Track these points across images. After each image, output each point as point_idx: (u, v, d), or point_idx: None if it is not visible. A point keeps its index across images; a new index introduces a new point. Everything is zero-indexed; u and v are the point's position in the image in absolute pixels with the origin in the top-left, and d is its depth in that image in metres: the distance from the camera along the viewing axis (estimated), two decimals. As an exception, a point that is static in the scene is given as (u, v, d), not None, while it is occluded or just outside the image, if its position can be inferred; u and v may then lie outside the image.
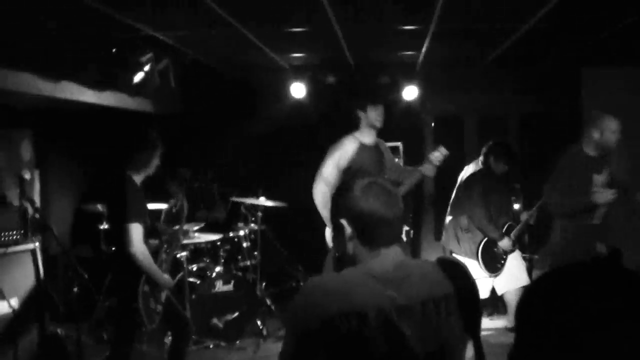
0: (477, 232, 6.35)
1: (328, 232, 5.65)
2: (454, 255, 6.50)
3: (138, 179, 4.66)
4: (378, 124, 5.81)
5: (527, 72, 8.14)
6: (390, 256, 2.22)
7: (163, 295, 4.71)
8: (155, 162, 4.71)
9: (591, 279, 1.23)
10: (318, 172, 5.72)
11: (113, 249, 4.65)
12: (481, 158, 6.53)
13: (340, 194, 2.32)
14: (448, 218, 6.65)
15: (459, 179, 6.55)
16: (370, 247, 2.23)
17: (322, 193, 5.61)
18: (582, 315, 1.16)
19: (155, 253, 4.72)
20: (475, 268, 6.22)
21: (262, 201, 7.03)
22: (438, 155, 5.69)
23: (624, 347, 1.13)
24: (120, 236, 4.40)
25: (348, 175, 5.60)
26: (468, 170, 6.51)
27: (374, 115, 5.79)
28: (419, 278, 2.17)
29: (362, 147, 5.76)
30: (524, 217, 6.59)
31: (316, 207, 5.64)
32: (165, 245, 4.91)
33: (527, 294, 1.30)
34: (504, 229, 6.44)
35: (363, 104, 5.81)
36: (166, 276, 4.72)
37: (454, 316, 2.12)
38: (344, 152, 5.70)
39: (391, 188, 2.28)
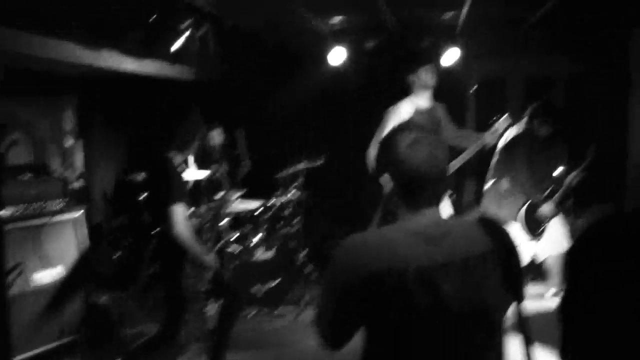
0: (519, 196, 6.24)
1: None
2: None
3: (179, 158, 4.65)
4: (432, 84, 5.75)
5: (573, 33, 7.93)
6: (431, 215, 2.20)
7: (209, 274, 4.71)
8: (197, 135, 4.68)
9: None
10: (375, 136, 5.68)
11: (155, 224, 4.65)
12: (525, 119, 6.37)
13: (386, 149, 2.29)
14: (489, 183, 6.54)
15: (501, 141, 6.40)
16: (412, 206, 2.22)
17: (372, 158, 5.59)
18: (632, 262, 1.14)
19: (198, 231, 4.71)
20: (518, 233, 6.13)
21: (303, 165, 7.00)
22: (502, 124, 5.66)
23: None
24: (162, 214, 4.40)
25: None
26: (511, 133, 6.37)
27: (426, 76, 5.73)
28: (459, 236, 2.14)
29: (418, 111, 5.72)
30: (567, 180, 6.46)
31: (370, 171, 5.62)
32: (208, 224, 4.91)
33: (579, 241, 1.29)
34: (547, 193, 6.33)
35: (414, 67, 5.75)
36: (210, 256, 4.71)
37: (494, 274, 2.08)
38: (400, 116, 5.65)
39: (438, 145, 2.22)
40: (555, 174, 6.47)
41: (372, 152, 5.63)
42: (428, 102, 5.83)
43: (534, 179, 6.20)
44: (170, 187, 4.38)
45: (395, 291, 2.00)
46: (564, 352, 1.28)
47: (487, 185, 6.53)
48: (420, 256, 2.05)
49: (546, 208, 6.20)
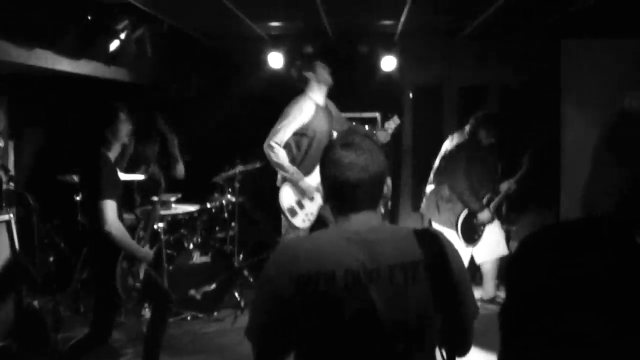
0: (457, 203, 6.34)
1: (283, 191, 5.76)
2: (433, 224, 6.52)
3: (113, 153, 4.59)
4: (329, 81, 5.87)
5: (507, 43, 8.10)
6: (362, 220, 2.20)
7: (142, 270, 4.66)
8: (125, 132, 4.62)
9: (581, 237, 1.22)
10: (273, 130, 5.75)
11: (88, 225, 4.59)
12: (468, 128, 6.47)
13: (321, 158, 2.30)
14: (430, 187, 6.62)
15: (443, 148, 6.50)
16: (341, 210, 2.24)
17: (273, 153, 5.66)
18: (572, 273, 1.15)
19: (131, 229, 4.66)
20: (454, 238, 6.23)
21: (239, 168, 6.98)
22: (392, 124, 5.81)
23: (615, 305, 1.12)
24: (94, 213, 4.34)
25: (298, 137, 5.77)
26: (454, 140, 6.46)
27: (323, 73, 5.83)
28: (390, 242, 2.15)
29: (319, 108, 5.82)
30: (503, 187, 6.60)
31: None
32: (142, 223, 4.86)
33: (519, 249, 1.30)
34: (485, 201, 6.45)
35: (311, 65, 5.84)
36: (145, 249, 4.67)
37: (422, 285, 2.08)
38: (304, 114, 5.76)
39: (367, 150, 2.21)
40: (493, 182, 6.61)
41: (273, 149, 5.71)
42: (324, 99, 5.94)
43: (473, 186, 6.30)
44: (101, 183, 4.33)
45: (323, 295, 2.04)
46: (502, 358, 1.30)
47: (428, 190, 6.61)
48: (349, 260, 2.07)
49: (483, 215, 6.32)
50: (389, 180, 2.31)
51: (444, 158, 6.45)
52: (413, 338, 2.09)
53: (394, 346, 2.06)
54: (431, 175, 6.63)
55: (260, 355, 2.23)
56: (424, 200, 6.71)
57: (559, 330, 1.15)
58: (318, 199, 5.80)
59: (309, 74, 5.88)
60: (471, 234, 6.42)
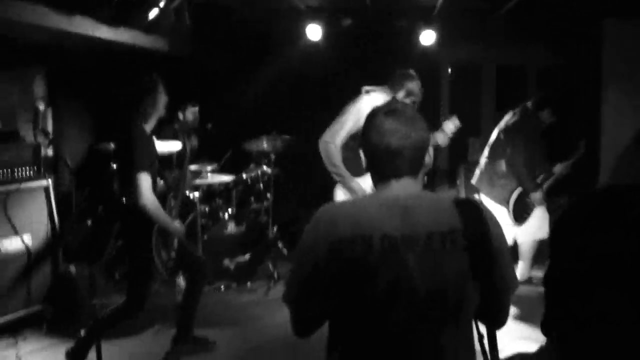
0: (512, 180, 6.24)
1: (338, 192, 5.66)
2: (483, 197, 6.43)
3: (148, 125, 4.59)
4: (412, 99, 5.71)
5: (547, 22, 7.96)
6: (402, 186, 2.19)
7: (175, 243, 4.68)
8: (161, 103, 4.61)
9: (607, 213, 1.22)
10: (330, 128, 5.63)
11: (122, 195, 4.60)
12: (531, 105, 6.32)
13: (364, 126, 2.29)
14: (484, 160, 6.50)
15: (503, 122, 6.34)
16: (380, 178, 2.23)
17: (327, 152, 5.55)
18: (611, 235, 1.16)
19: (162, 198, 4.67)
20: (504, 215, 6.16)
21: (272, 138, 6.95)
22: (451, 126, 5.66)
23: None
24: (129, 184, 4.36)
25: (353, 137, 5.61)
26: (515, 116, 6.31)
27: (414, 88, 5.66)
28: (429, 210, 2.11)
29: None
30: (557, 169, 6.49)
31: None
32: (173, 191, 4.86)
33: (562, 216, 1.29)
34: (540, 181, 6.37)
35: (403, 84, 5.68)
36: (177, 223, 4.68)
37: (459, 254, 2.03)
38: (359, 115, 5.64)
39: (406, 117, 2.20)
40: (547, 162, 6.50)
41: (326, 146, 5.56)
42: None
43: (529, 165, 6.19)
44: (136, 155, 4.34)
45: (359, 259, 2.01)
46: (545, 325, 1.28)
47: (482, 163, 6.50)
48: (386, 225, 2.05)
49: (536, 196, 6.23)
50: (430, 149, 2.28)
51: (503, 132, 6.32)
52: (448, 308, 2.05)
53: (429, 315, 2.03)
54: (487, 149, 6.50)
55: (297, 320, 2.23)
56: (477, 172, 6.59)
57: (587, 309, 1.16)
58: None
59: (403, 82, 5.72)
60: (521, 212, 6.32)
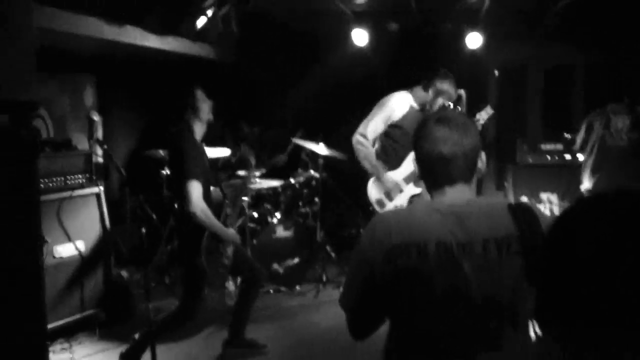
0: None
1: (370, 184, 5.70)
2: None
3: (198, 132, 4.64)
4: (453, 94, 5.71)
5: (594, 21, 7.86)
6: (456, 193, 2.18)
7: (229, 250, 4.71)
8: (205, 110, 4.67)
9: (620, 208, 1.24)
10: (363, 122, 5.69)
11: (174, 202, 4.67)
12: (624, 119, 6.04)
13: (414, 134, 2.29)
14: (587, 180, 6.20)
15: (598, 137, 6.03)
16: (433, 185, 2.23)
17: (358, 144, 5.61)
18: (609, 242, 1.17)
19: (218, 207, 4.72)
20: None
21: (322, 148, 6.97)
22: (484, 115, 5.64)
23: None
24: (180, 191, 4.41)
25: (388, 131, 5.68)
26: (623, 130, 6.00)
27: (449, 87, 5.68)
28: (484, 216, 2.10)
29: (411, 110, 5.71)
30: None
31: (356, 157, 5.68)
32: (228, 200, 4.90)
33: (557, 222, 1.31)
34: None
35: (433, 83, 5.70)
36: (231, 230, 4.71)
37: (515, 261, 2.02)
38: (395, 111, 5.68)
39: (461, 124, 2.20)
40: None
41: (358, 142, 5.63)
42: (420, 104, 5.79)
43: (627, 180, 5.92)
44: (187, 163, 4.39)
45: (415, 266, 2.02)
46: (538, 312, 1.30)
47: (587, 183, 6.25)
48: (441, 232, 2.05)
49: None
50: (483, 155, 2.28)
51: (598, 151, 6.03)
52: (505, 314, 2.04)
53: (486, 322, 2.03)
54: (585, 168, 6.25)
55: (353, 323, 2.26)
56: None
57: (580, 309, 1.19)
58: (408, 191, 5.71)
59: (433, 82, 5.75)
60: None
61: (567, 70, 8.49)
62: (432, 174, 2.22)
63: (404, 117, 5.68)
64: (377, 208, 5.78)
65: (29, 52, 2.61)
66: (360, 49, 7.94)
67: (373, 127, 5.68)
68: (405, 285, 2.05)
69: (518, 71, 8.61)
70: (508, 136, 7.07)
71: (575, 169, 6.53)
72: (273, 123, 7.69)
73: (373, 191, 5.77)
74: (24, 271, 2.70)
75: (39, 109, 2.81)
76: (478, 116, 5.66)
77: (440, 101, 5.61)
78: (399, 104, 5.71)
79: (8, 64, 2.49)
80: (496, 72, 8.57)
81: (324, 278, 6.78)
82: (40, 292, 2.83)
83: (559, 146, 7.39)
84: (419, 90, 5.74)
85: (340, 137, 7.09)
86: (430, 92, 5.63)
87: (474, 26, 7.69)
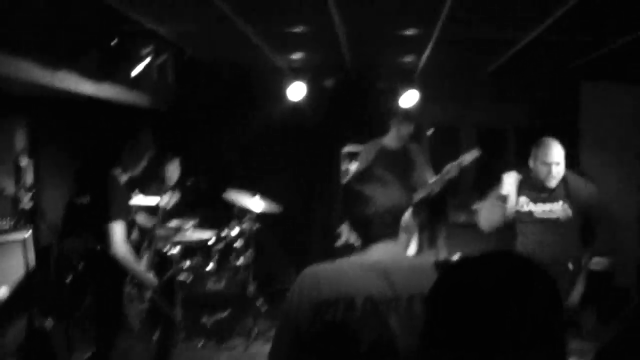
0: None
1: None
2: None
3: (127, 176, 4.61)
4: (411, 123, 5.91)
5: (526, 84, 8.10)
6: (382, 249, 2.23)
7: (147, 295, 4.65)
8: (143, 163, 4.66)
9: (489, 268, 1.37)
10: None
11: (95, 245, 4.61)
12: None
13: (342, 191, 2.39)
14: None
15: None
16: (364, 238, 2.28)
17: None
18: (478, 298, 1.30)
19: (136, 249, 4.67)
20: None
21: (256, 202, 6.94)
22: (468, 157, 5.72)
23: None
24: (101, 234, 4.36)
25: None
26: None
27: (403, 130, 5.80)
28: (410, 272, 2.15)
29: (384, 151, 5.78)
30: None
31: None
32: (146, 242, 4.86)
33: (438, 282, 1.45)
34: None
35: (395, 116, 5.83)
36: (149, 275, 4.66)
37: None
38: (363, 155, 5.76)
39: (382, 183, 2.28)
40: None
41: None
42: (398, 142, 5.88)
43: None
44: (110, 205, 4.35)
45: (342, 321, 2.03)
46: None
47: None
48: (369, 288, 2.08)
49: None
50: (407, 213, 2.31)
51: None
52: None
53: None
54: None
55: None
56: None
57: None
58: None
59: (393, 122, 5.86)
60: None
61: (499, 132, 8.67)
62: (364, 228, 2.27)
63: (375, 161, 5.81)
64: None
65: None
66: (296, 102, 7.98)
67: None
68: (332, 340, 2.05)
69: (450, 131, 8.77)
70: (440, 195, 7.14)
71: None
72: (206, 171, 7.63)
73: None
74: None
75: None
76: (461, 158, 5.72)
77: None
78: (367, 148, 5.88)
79: None
80: (428, 133, 8.71)
81: (255, 332, 6.69)
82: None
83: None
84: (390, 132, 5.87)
85: (275, 187, 7.11)
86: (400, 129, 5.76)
87: (408, 85, 7.81)
